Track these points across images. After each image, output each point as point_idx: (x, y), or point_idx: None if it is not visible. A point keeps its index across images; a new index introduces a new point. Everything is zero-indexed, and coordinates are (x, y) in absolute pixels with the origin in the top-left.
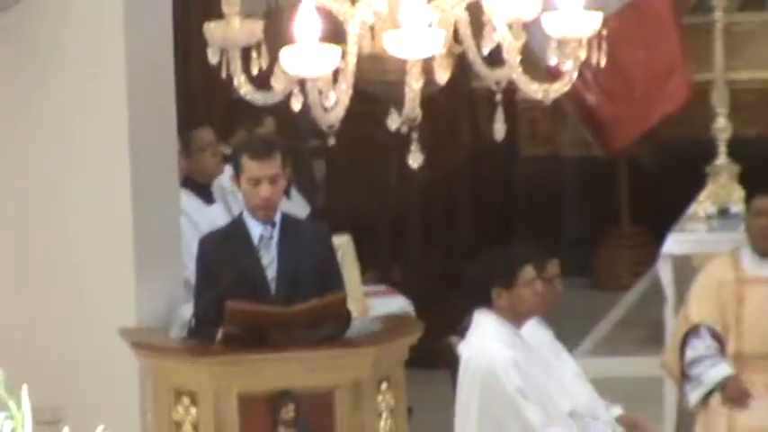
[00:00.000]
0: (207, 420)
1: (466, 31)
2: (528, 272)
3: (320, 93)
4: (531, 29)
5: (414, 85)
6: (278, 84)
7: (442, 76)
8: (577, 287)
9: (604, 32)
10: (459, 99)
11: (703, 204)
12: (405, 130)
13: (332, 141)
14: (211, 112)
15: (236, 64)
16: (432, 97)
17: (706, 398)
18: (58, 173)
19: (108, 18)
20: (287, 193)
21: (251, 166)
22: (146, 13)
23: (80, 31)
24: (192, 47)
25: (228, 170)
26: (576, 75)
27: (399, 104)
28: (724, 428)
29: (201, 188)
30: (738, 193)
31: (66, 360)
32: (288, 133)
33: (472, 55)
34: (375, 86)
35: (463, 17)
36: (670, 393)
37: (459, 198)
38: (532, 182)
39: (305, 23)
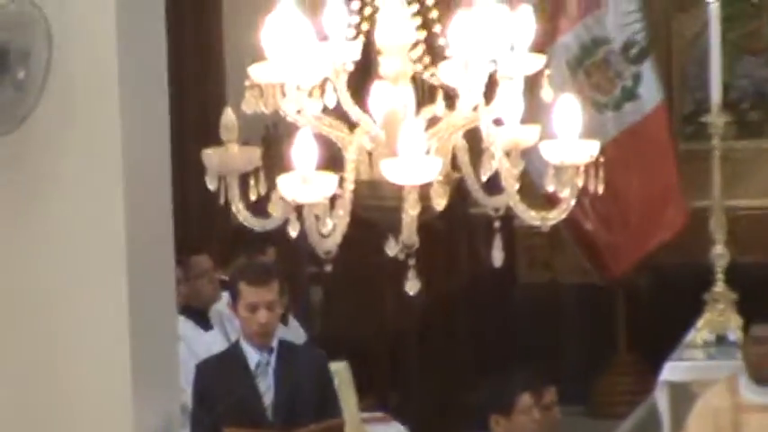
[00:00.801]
0: None
1: (464, 158)
2: (525, 400)
3: (317, 219)
4: (529, 156)
5: (410, 211)
6: (275, 210)
7: (440, 202)
8: (575, 415)
9: (602, 160)
10: (458, 225)
11: (701, 332)
12: (402, 256)
13: (329, 268)
14: (209, 239)
15: (234, 190)
16: (429, 223)
17: None
18: (56, 296)
19: (106, 146)
20: (284, 319)
21: (248, 293)
22: (143, 140)
23: (79, 156)
24: (190, 173)
25: (226, 296)
26: (573, 202)
27: (397, 231)
28: None
29: (199, 314)
30: (736, 320)
31: None
32: (286, 260)
33: (470, 182)
34: (372, 213)
35: (461, 144)
36: None
37: (458, 324)
38: (531, 308)
39: (302, 150)
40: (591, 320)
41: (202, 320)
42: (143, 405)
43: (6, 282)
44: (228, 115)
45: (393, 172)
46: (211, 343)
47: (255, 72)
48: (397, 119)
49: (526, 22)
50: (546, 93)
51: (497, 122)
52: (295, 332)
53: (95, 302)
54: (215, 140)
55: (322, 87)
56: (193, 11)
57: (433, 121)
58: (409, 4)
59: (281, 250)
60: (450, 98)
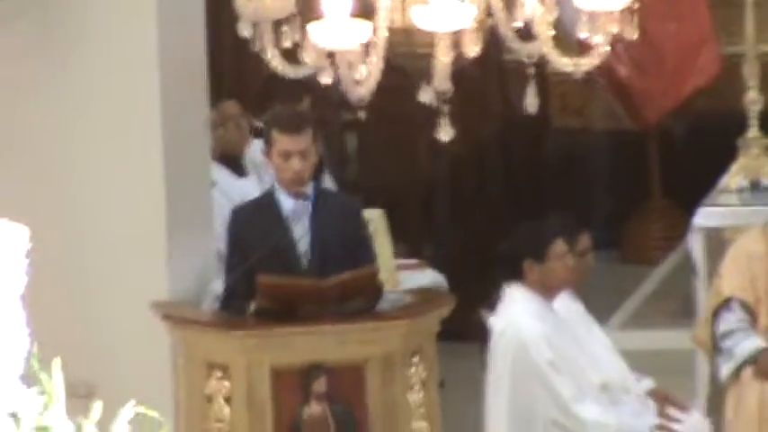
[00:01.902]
0: (239, 393)
1: (497, 5)
2: (559, 246)
3: (351, 67)
4: (562, 2)
5: (443, 58)
6: (308, 58)
7: (472, 49)
8: (608, 261)
9: (636, 6)
10: (491, 72)
11: (735, 177)
12: (435, 103)
13: (363, 115)
14: (242, 86)
15: (268, 38)
16: (462, 70)
17: (738, 371)
18: (90, 147)
19: (138, 3)
20: (319, 167)
21: (282, 140)
22: None
23: (112, 10)
24: (224, 20)
25: (260, 143)
26: (607, 48)
27: (430, 78)
28: (756, 402)
29: (233, 161)
30: None
31: (99, 334)
32: (320, 107)
33: (504, 29)
34: (406, 60)
35: None
36: (702, 367)
37: (491, 171)
38: (564, 154)
39: None
40: (624, 166)
41: (237, 167)
42: (178, 251)
43: (48, 129)
44: None
45: (425, 19)
46: (246, 189)
47: None
48: None
49: None
50: None
51: None
52: (326, 183)
53: (129, 149)
54: None
55: None
56: None
57: None
58: None
59: (315, 98)
60: None
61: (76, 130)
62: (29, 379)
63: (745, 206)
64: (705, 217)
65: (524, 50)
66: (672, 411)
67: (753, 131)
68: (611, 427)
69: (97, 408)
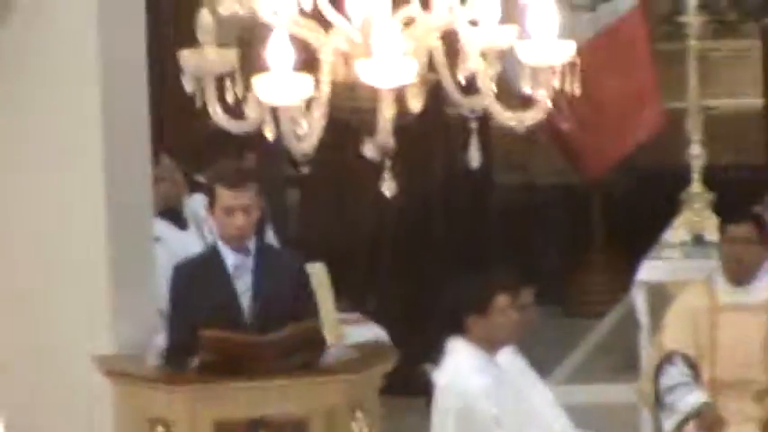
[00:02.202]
0: None
1: (441, 60)
2: (502, 299)
3: (294, 121)
4: (505, 57)
5: (387, 112)
6: (252, 112)
7: (416, 104)
8: (552, 314)
9: (578, 61)
10: (434, 127)
11: (677, 231)
12: (378, 158)
13: (305, 170)
14: (183, 141)
15: (211, 92)
16: (406, 125)
17: (681, 425)
18: (33, 200)
19: (84, 43)
20: (261, 223)
21: (225, 196)
22: (120, 39)
23: (58, 52)
24: (168, 74)
25: (200, 197)
26: (549, 103)
27: (373, 133)
28: None
29: (175, 214)
30: (712, 220)
31: (41, 386)
32: (263, 163)
33: (447, 83)
34: (349, 115)
35: (438, 45)
36: (645, 421)
37: (434, 226)
38: (507, 209)
39: (278, 52)
40: (567, 221)
41: (179, 220)
42: (122, 306)
43: None
44: (205, 16)
45: (369, 73)
46: (188, 242)
47: None
48: (373, 20)
49: None
50: None
51: (473, 23)
52: (269, 238)
53: (74, 202)
54: (191, 41)
55: None
56: None
57: (408, 23)
58: None
59: (258, 153)
60: (426, 0)
61: (18, 180)
62: None
63: (687, 260)
64: (648, 271)
65: (467, 104)
66: None
67: (695, 186)
68: None
69: None
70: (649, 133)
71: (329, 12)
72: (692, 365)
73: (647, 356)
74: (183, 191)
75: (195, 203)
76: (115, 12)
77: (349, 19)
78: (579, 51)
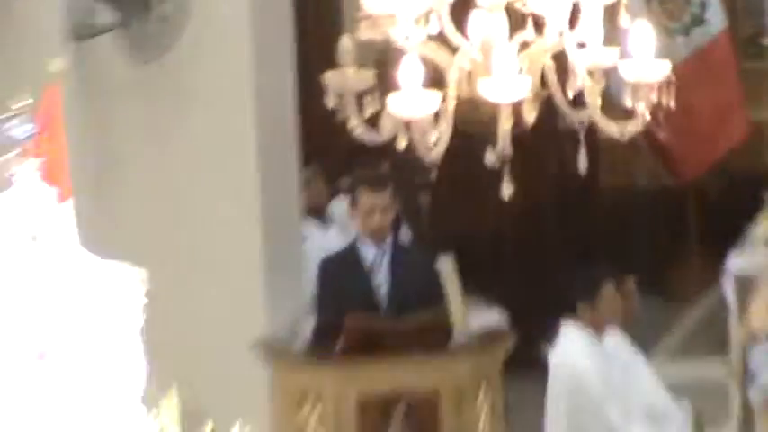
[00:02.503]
0: (328, 420)
1: (552, 77)
2: (608, 288)
3: (423, 133)
4: (609, 75)
5: (505, 125)
6: (386, 125)
7: (531, 117)
8: (651, 301)
9: (673, 78)
10: (547, 137)
11: (761, 227)
12: (498, 165)
13: (433, 176)
14: (327, 151)
15: (351, 108)
16: (522, 135)
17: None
18: (198, 203)
19: (239, 70)
20: (397, 223)
21: (366, 197)
22: (271, 66)
23: (214, 81)
24: (312, 92)
25: (342, 198)
26: (648, 115)
27: (493, 142)
28: None
29: (319, 214)
30: None
31: (205, 365)
32: (397, 169)
33: (558, 98)
34: (472, 127)
35: (550, 65)
36: (734, 394)
37: (547, 223)
38: (612, 208)
39: (409, 72)
40: (665, 219)
41: (323, 220)
42: (274, 293)
43: (151, 193)
44: (346, 42)
45: (489, 90)
46: (331, 239)
47: (369, 4)
48: (493, 43)
49: None
50: (623, 19)
51: (581, 45)
52: (404, 235)
53: (232, 205)
54: (334, 64)
55: (427, 16)
56: None
57: (524, 46)
58: None
59: (392, 161)
60: (539, 25)
61: (185, 187)
62: (147, 403)
63: None
64: (736, 262)
65: (576, 117)
66: None
67: None
68: None
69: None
70: (737, 141)
71: (454, 36)
72: None
73: (735, 336)
74: (327, 194)
75: (338, 205)
76: (268, 40)
77: (471, 42)
78: (674, 70)
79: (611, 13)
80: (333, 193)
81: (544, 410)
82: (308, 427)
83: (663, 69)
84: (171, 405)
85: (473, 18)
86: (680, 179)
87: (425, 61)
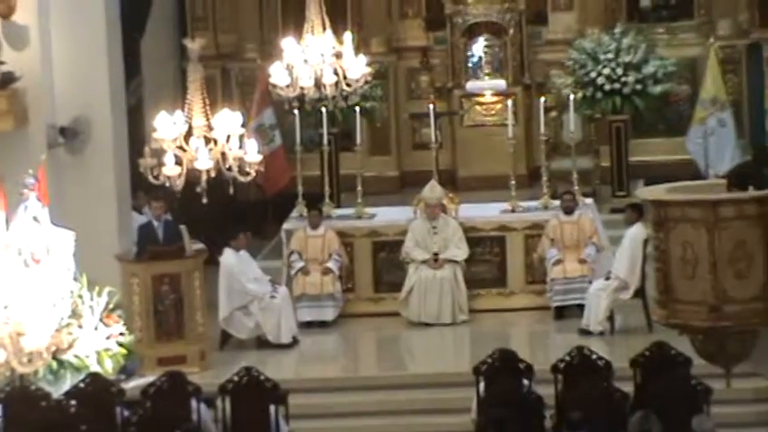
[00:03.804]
0: (142, 287)
1: None
2: None
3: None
4: None
5: None
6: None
7: None
8: None
9: None
10: None
11: None
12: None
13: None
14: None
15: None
16: None
17: None
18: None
19: None
20: (168, 211)
21: (155, 202)
22: None
23: None
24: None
25: (146, 203)
26: None
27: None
28: None
29: (137, 210)
30: None
31: (98, 264)
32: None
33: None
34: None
35: None
36: None
37: None
38: None
39: None
40: None
41: (139, 211)
42: (121, 241)
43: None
44: None
45: None
46: (139, 219)
47: None
48: None
49: None
50: None
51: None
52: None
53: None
54: None
55: None
56: None
57: None
58: None
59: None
60: None
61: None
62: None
63: None
64: None
65: None
66: None
67: None
68: None
69: None
70: None
71: None
72: None
73: None
74: (144, 202)
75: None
76: None
77: None
78: None
79: None
80: (142, 201)
81: None
82: (133, 289)
83: None
84: (83, 281)
85: None
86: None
87: None
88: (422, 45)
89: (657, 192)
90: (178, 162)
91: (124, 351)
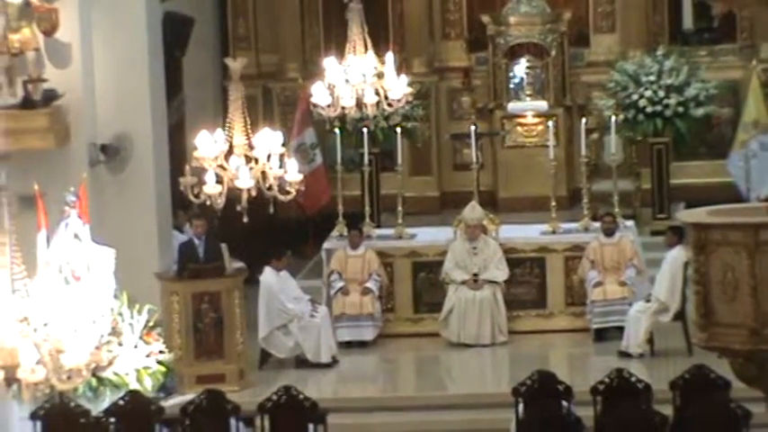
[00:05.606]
0: (182, 304)
1: None
2: None
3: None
4: None
5: None
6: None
7: None
8: None
9: None
10: None
11: None
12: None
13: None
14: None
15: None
16: None
17: None
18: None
19: None
20: (208, 231)
21: (197, 220)
22: None
23: None
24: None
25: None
26: None
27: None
28: None
29: (178, 229)
30: None
31: (138, 281)
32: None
33: None
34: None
35: None
36: None
37: None
38: None
39: None
40: None
41: (180, 231)
42: (162, 256)
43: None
44: None
45: None
46: (181, 237)
47: None
48: None
49: None
50: None
51: None
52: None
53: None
54: None
55: None
56: None
57: None
58: None
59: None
60: None
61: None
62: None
63: None
64: None
65: None
66: None
67: None
68: None
69: None
70: None
71: None
72: None
73: None
74: (184, 221)
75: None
76: None
77: None
78: None
79: None
80: (183, 220)
81: None
82: (173, 307)
83: None
84: (123, 299)
85: None
86: None
87: None
88: (463, 66)
89: (698, 215)
90: (219, 181)
91: (163, 369)
